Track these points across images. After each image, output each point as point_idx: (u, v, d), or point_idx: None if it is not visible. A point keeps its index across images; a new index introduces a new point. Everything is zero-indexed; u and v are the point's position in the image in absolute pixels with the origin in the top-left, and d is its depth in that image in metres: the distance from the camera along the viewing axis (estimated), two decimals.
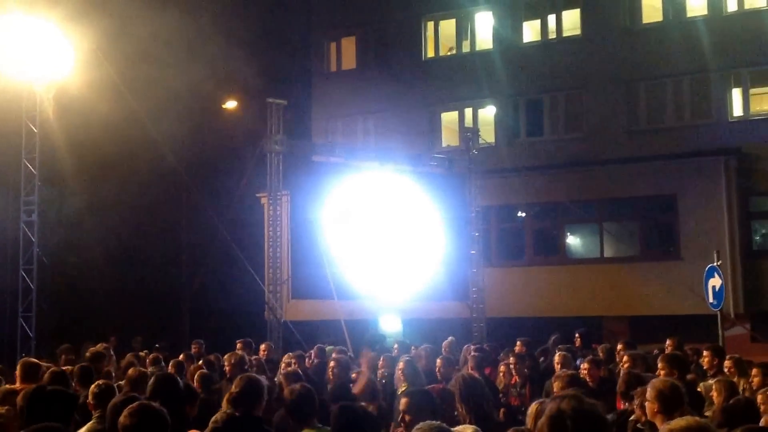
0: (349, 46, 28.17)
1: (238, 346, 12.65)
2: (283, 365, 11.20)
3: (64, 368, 8.10)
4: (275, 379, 9.97)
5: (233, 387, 6.46)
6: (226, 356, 10.34)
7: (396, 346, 13.88)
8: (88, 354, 10.30)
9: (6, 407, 5.91)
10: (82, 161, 15.95)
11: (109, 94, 15.53)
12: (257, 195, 20.39)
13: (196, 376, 9.53)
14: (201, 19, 16.71)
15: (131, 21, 15.68)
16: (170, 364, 11.07)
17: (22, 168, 16.64)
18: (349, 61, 28.12)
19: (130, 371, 7.73)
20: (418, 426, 4.27)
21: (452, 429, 4.50)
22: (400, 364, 9.49)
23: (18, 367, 8.58)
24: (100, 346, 10.42)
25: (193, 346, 12.89)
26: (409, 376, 9.18)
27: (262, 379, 6.81)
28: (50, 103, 16.26)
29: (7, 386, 6.82)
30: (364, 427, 5.43)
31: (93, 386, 6.57)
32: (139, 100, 15.50)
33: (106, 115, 15.51)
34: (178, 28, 16.13)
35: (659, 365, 8.42)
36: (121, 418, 4.64)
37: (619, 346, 12.02)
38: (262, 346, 12.97)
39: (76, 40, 15.31)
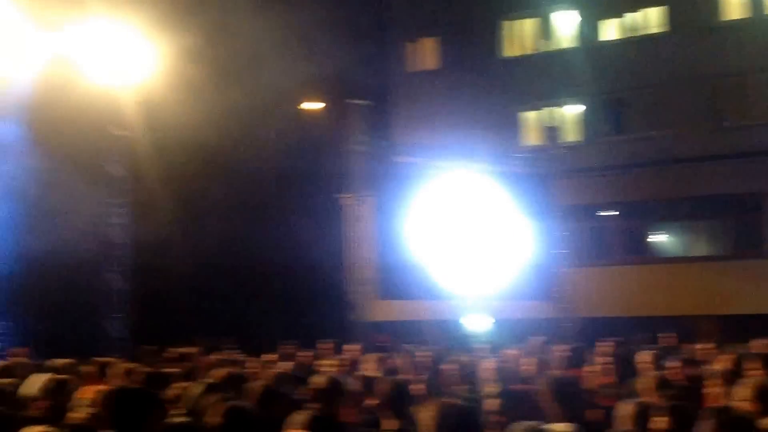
0: (429, 46, 28.09)
1: (325, 347, 12.64)
2: (367, 365, 11.11)
3: (150, 369, 8.14)
4: (362, 379, 9.87)
5: (318, 386, 6.38)
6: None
7: (481, 346, 13.71)
8: (175, 355, 10.41)
9: (94, 407, 5.95)
10: (169, 164, 16.19)
11: (193, 97, 15.73)
12: (339, 196, 20.40)
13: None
14: (282, 22, 16.80)
15: (214, 26, 15.86)
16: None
17: (111, 171, 16.97)
18: (430, 61, 28.05)
19: (221, 371, 7.75)
20: (511, 427, 4.13)
21: (549, 427, 4.34)
22: (488, 365, 9.35)
23: (105, 368, 8.72)
24: (187, 348, 10.51)
25: (281, 348, 12.91)
26: (496, 377, 9.03)
27: (347, 378, 6.74)
28: (136, 107, 16.56)
29: (97, 386, 6.87)
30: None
31: (176, 388, 6.59)
32: (222, 103, 15.66)
33: (190, 118, 15.70)
34: (259, 32, 16.26)
35: (753, 365, 8.03)
36: (211, 418, 4.60)
37: (709, 346, 11.64)
38: (350, 347, 12.91)
39: (161, 44, 15.55)
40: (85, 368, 8.94)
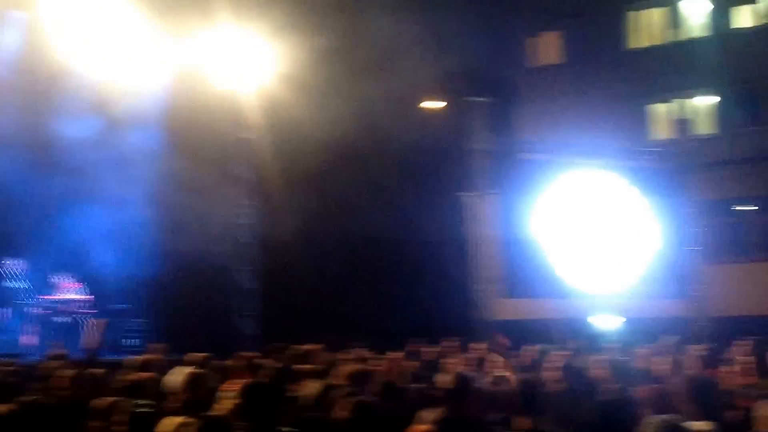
0: (552, 40, 27.66)
1: (450, 345, 12.55)
2: (495, 364, 10.98)
3: (280, 365, 8.25)
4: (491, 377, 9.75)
5: (447, 384, 6.32)
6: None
7: (610, 345, 13.36)
8: (302, 352, 10.53)
9: (230, 401, 6.07)
10: (293, 165, 16.45)
11: (315, 98, 15.92)
12: (463, 195, 20.28)
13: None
14: (401, 22, 16.83)
15: (334, 29, 16.02)
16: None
17: (238, 173, 17.40)
18: (553, 55, 27.61)
19: (350, 368, 7.80)
20: (649, 419, 3.99)
21: (689, 424, 4.17)
22: (611, 364, 9.12)
23: (239, 364, 8.90)
24: (315, 345, 10.61)
25: (408, 346, 12.90)
26: (618, 376, 8.78)
27: (475, 376, 6.66)
28: (260, 110, 16.92)
29: (231, 381, 7.02)
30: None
31: (305, 384, 6.66)
32: (343, 103, 15.80)
33: (313, 119, 15.90)
34: (378, 33, 16.33)
35: None
36: (339, 413, 4.62)
37: None
38: (474, 346, 12.79)
39: (282, 47, 15.82)
40: (220, 363, 9.15)
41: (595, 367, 9.41)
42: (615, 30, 26.07)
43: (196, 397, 6.86)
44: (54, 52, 14.84)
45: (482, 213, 18.03)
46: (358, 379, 7.27)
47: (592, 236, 18.42)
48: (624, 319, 18.50)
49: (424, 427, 4.89)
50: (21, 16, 14.88)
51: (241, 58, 16.33)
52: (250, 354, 9.79)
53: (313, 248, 16.60)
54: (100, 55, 15.43)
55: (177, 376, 8.06)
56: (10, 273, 15.81)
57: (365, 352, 11.18)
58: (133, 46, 15.57)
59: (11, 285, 15.80)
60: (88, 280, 16.65)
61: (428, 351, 12.19)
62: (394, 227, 17.62)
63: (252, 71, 16.44)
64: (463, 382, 6.21)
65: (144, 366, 8.67)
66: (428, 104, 20.31)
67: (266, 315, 16.94)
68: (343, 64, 15.45)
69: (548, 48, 27.61)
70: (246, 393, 6.02)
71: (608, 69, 25.65)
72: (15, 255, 16.04)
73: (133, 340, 16.04)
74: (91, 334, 9.92)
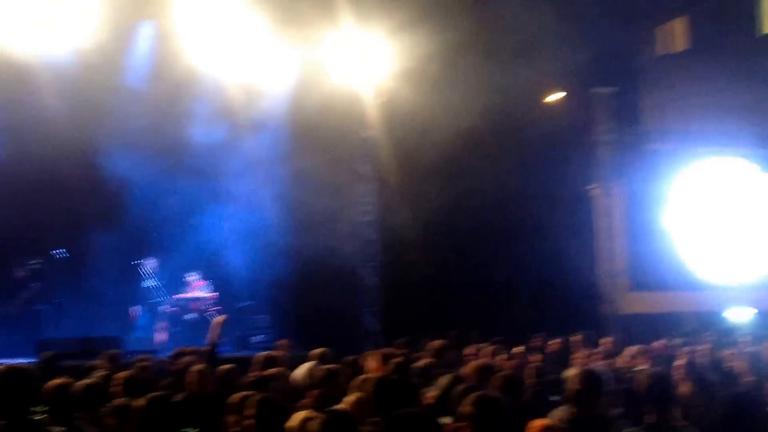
0: (678, 27, 26.76)
1: (576, 339, 12.33)
2: (625, 358, 10.71)
3: (403, 360, 8.25)
4: (621, 371, 9.52)
5: (573, 383, 6.17)
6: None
7: (743, 338, 12.88)
8: (427, 348, 10.50)
9: (358, 395, 6.12)
10: (416, 161, 16.46)
11: (437, 95, 15.86)
12: (586, 187, 19.89)
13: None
14: (523, 15, 16.61)
15: (453, 24, 15.91)
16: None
17: (359, 170, 17.55)
18: (680, 43, 26.70)
19: (476, 363, 7.76)
20: None
21: None
22: (748, 356, 8.78)
23: (368, 359, 8.99)
24: (438, 340, 10.57)
25: (533, 340, 12.76)
26: (754, 369, 8.45)
27: (605, 372, 6.48)
28: (382, 109, 17.01)
29: (362, 376, 7.08)
30: None
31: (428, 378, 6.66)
32: (466, 98, 15.71)
33: (435, 116, 15.86)
34: (498, 27, 16.16)
35: None
36: (463, 408, 4.58)
37: None
38: (603, 340, 12.53)
39: (404, 45, 15.85)
40: (351, 359, 9.25)
41: (732, 360, 9.09)
42: (746, 15, 25.02)
43: (326, 393, 6.95)
44: (183, 57, 15.29)
45: (608, 206, 17.63)
46: (484, 373, 7.21)
47: (722, 226, 17.77)
48: (756, 311, 17.80)
49: (545, 421, 4.79)
50: (151, 23, 15.41)
51: (363, 57, 16.45)
52: (380, 350, 9.87)
53: (436, 244, 16.58)
54: (228, 59, 15.81)
55: (305, 372, 8.20)
56: (144, 272, 16.39)
57: (490, 347, 11.08)
58: (259, 49, 15.88)
59: (145, 284, 16.38)
60: (216, 278, 17.12)
61: (554, 345, 12.02)
62: (518, 222, 17.41)
63: (374, 69, 16.54)
64: (590, 378, 6.05)
65: (271, 362, 8.84)
66: (553, 95, 19.94)
67: (389, 311, 17.03)
68: (465, 58, 15.33)
69: (676, 35, 26.73)
70: (374, 388, 6.05)
71: (738, 55, 24.63)
72: (149, 255, 16.62)
73: (260, 337, 16.39)
74: (210, 331, 10.17)
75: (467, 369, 7.68)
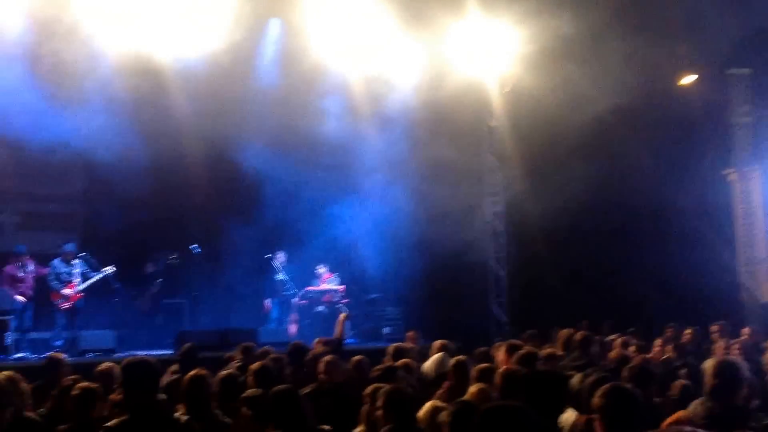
0: None
1: (714, 329, 11.93)
2: None
3: (528, 350, 8.16)
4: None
5: (711, 375, 5.95)
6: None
7: None
8: (559, 338, 10.35)
9: (480, 386, 6.11)
10: (540, 151, 16.23)
11: (563, 81, 15.58)
12: (724, 172, 19.16)
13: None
14: None
15: (579, 7, 15.58)
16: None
17: (486, 161, 17.45)
18: None
19: (613, 354, 7.67)
20: None
21: None
22: None
23: (496, 351, 8.96)
24: (567, 331, 10.40)
25: (667, 330, 12.42)
26: None
27: (745, 365, 6.22)
28: (506, 98, 16.84)
29: (485, 365, 7.07)
30: None
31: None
32: (592, 85, 15.39)
33: (561, 104, 15.59)
34: (630, 8, 15.73)
35: None
36: (594, 399, 4.49)
37: None
38: (745, 330, 12.05)
39: (530, 32, 15.64)
40: (478, 350, 9.25)
41: None
42: None
43: (456, 384, 6.97)
44: (312, 54, 15.53)
45: (747, 190, 16.95)
46: (615, 365, 7.08)
47: None
48: None
49: (682, 413, 4.65)
50: (278, 21, 15.74)
51: (489, 46, 16.34)
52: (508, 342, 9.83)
53: (565, 233, 16.30)
54: (355, 53, 15.97)
55: (434, 363, 8.23)
56: (276, 265, 16.77)
57: (621, 338, 10.85)
58: (386, 43, 15.97)
59: (277, 277, 16.75)
60: (346, 270, 17.35)
61: (687, 336, 11.65)
62: (652, 208, 16.94)
63: (500, 58, 16.39)
64: (729, 369, 5.82)
65: (400, 353, 8.91)
66: (689, 77, 19.27)
67: (518, 302, 16.88)
68: (595, 43, 14.98)
69: None
70: (503, 380, 6.02)
71: None
72: (280, 248, 17.00)
73: (390, 328, 16.53)
74: (336, 327, 10.50)
75: (611, 360, 7.58)
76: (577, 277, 16.45)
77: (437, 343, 9.07)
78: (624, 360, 7.50)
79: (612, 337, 11.23)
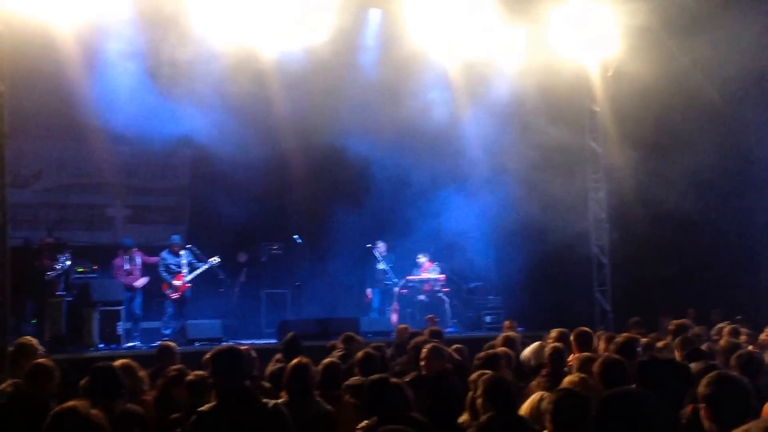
0: None
1: None
2: None
3: (627, 338, 8.01)
4: None
5: None
6: None
7: None
8: (664, 327, 10.17)
9: (580, 374, 6.05)
10: (643, 136, 15.84)
11: (666, 64, 15.17)
12: None
13: None
14: None
15: None
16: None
17: (588, 147, 17.15)
18: None
19: (721, 342, 7.49)
20: None
21: None
22: None
23: (598, 339, 8.85)
24: (675, 321, 10.19)
25: None
26: None
27: None
28: (609, 82, 16.50)
29: (583, 355, 6.99)
30: None
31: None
32: (697, 69, 14.98)
33: (663, 88, 15.17)
34: None
35: None
36: (701, 388, 4.40)
37: None
38: None
39: (628, 16, 15.28)
40: (575, 338, 9.14)
41: None
42: None
43: (556, 371, 6.92)
44: (411, 41, 15.52)
45: None
46: (723, 353, 6.92)
47: None
48: None
49: None
50: (379, 11, 15.80)
51: (590, 30, 16.05)
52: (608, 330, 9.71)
53: (668, 219, 15.89)
54: (456, 40, 15.87)
55: (534, 351, 8.18)
56: (378, 255, 16.88)
57: (730, 326, 10.56)
58: (486, 27, 15.84)
59: (379, 266, 16.87)
60: (447, 259, 17.34)
61: None
62: (757, 194, 16.38)
63: (602, 41, 16.08)
64: None
65: (506, 341, 8.88)
66: None
67: (621, 290, 16.58)
68: (701, 26, 14.52)
69: None
70: (601, 367, 5.95)
71: None
72: (381, 238, 17.12)
73: (492, 317, 16.47)
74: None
75: (721, 348, 7.41)
76: (683, 264, 16.05)
77: (554, 332, 8.96)
78: (733, 348, 7.32)
79: (721, 325, 10.94)
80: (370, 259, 16.94)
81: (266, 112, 15.29)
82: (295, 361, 6.35)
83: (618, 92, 16.15)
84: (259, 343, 13.22)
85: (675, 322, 9.76)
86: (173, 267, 15.10)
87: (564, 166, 16.41)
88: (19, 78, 12.14)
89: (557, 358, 7.23)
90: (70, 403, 4.03)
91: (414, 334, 9.72)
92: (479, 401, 5.62)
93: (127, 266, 14.93)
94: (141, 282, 14.95)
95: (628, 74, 15.65)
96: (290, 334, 9.31)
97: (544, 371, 7.23)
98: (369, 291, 16.99)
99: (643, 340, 8.51)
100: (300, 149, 16.34)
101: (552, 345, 7.55)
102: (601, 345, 8.47)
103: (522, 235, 16.61)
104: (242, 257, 16.10)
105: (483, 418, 5.34)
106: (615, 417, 3.84)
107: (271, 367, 8.26)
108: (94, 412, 3.89)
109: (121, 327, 13.96)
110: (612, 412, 3.87)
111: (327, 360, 7.01)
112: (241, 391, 5.07)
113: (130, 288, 14.74)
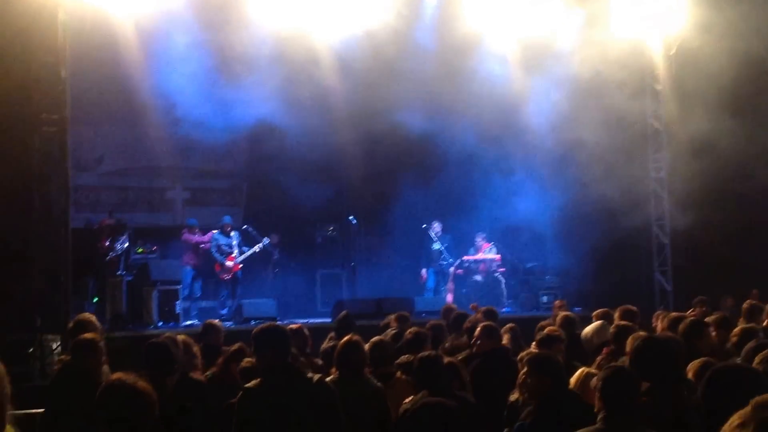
0: None
1: None
2: None
3: (693, 318, 7.86)
4: None
5: None
6: None
7: None
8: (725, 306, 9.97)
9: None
10: (706, 115, 15.47)
11: (730, 40, 14.78)
12: None
13: None
14: None
15: None
16: None
17: (649, 126, 16.85)
18: None
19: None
20: None
21: None
22: None
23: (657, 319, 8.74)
24: (749, 300, 9.98)
25: None
26: None
27: None
28: (671, 60, 16.18)
29: (643, 334, 6.88)
30: None
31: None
32: (762, 46, 14.63)
33: (726, 66, 14.79)
34: None
35: None
36: (754, 365, 4.31)
37: None
38: None
39: None
40: (619, 316, 9.04)
41: None
42: None
43: (617, 351, 6.82)
44: (469, 21, 15.40)
45: None
46: None
47: None
48: None
49: None
50: None
51: (652, 6, 15.76)
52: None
53: (729, 199, 15.53)
54: (513, 19, 15.72)
55: (594, 330, 8.06)
56: (433, 235, 16.84)
57: None
58: (543, 3, 15.66)
59: (434, 246, 16.82)
60: (504, 239, 17.23)
61: None
62: None
63: (664, 19, 15.76)
64: None
65: (570, 322, 8.80)
66: None
67: (682, 269, 16.30)
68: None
69: None
70: (637, 347, 5.85)
71: None
72: (440, 218, 17.09)
73: (549, 297, 16.31)
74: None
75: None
76: (746, 244, 15.68)
77: (606, 311, 8.85)
78: None
79: None
80: (426, 239, 16.91)
81: (324, 95, 15.33)
82: (345, 338, 6.37)
83: (681, 70, 15.84)
84: (314, 322, 13.31)
85: (749, 301, 9.55)
86: (225, 247, 15.30)
87: (626, 145, 16.16)
88: (80, 65, 12.39)
89: (620, 337, 7.11)
90: (118, 374, 4.09)
91: (461, 314, 9.67)
92: (522, 379, 5.61)
93: (196, 239, 15.44)
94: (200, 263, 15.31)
95: (691, 51, 15.32)
96: (343, 312, 9.35)
97: (605, 349, 7.15)
98: (424, 271, 16.97)
99: (708, 319, 8.33)
100: (357, 131, 16.34)
101: (617, 323, 7.48)
102: (660, 325, 8.33)
103: (582, 215, 16.39)
104: (274, 238, 16.21)
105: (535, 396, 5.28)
106: (723, 390, 3.78)
107: (324, 344, 8.33)
108: (141, 383, 3.94)
109: (179, 305, 14.19)
110: (717, 385, 3.84)
111: (375, 338, 7.01)
112: (285, 367, 5.14)
113: (194, 266, 15.18)
